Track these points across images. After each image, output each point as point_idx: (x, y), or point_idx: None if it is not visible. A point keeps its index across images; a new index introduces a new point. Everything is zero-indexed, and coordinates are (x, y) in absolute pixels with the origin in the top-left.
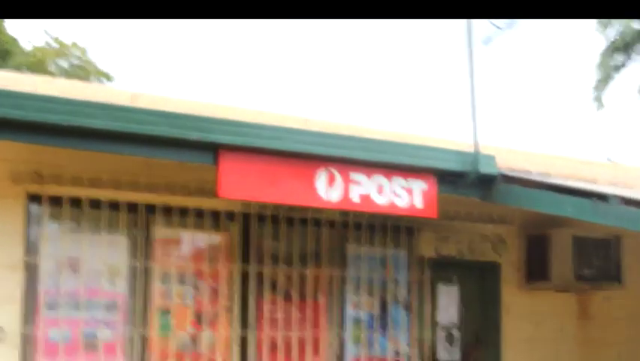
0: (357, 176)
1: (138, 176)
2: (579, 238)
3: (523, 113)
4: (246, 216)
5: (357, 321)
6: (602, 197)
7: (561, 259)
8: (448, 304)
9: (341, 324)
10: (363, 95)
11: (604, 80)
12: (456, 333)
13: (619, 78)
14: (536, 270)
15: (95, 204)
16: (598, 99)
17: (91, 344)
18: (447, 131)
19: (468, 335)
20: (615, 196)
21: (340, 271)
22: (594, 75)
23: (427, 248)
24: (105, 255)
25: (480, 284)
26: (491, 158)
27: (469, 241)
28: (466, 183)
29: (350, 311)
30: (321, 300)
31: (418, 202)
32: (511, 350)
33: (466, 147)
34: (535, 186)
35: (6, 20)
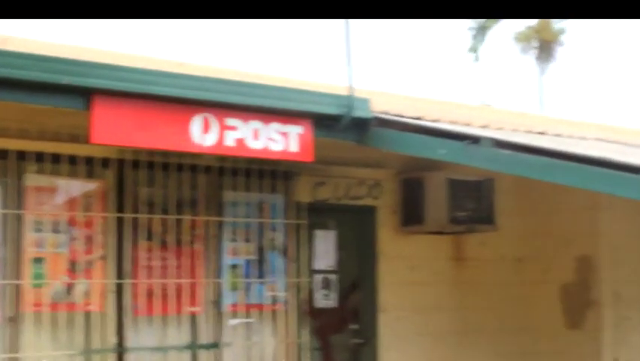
0: (232, 121)
1: (9, 122)
2: (453, 181)
3: (400, 59)
4: (120, 163)
5: (234, 268)
6: (474, 139)
7: (435, 202)
8: (325, 249)
9: (218, 271)
10: (240, 40)
11: (481, 30)
12: (333, 278)
13: (497, 26)
14: (412, 213)
15: None
16: (474, 50)
17: None
18: (324, 75)
19: (345, 279)
20: (487, 139)
21: (217, 217)
22: (472, 24)
23: (304, 193)
24: None
25: (357, 229)
26: (365, 101)
27: (346, 186)
28: (341, 126)
29: (227, 258)
30: (198, 247)
31: (294, 146)
32: (387, 294)
33: (342, 90)
34: (408, 130)
35: None
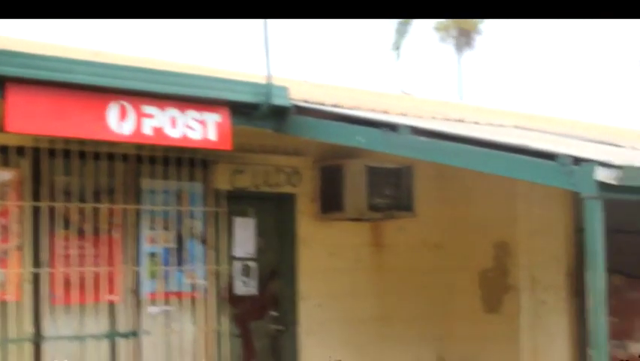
0: (149, 109)
1: None
2: (372, 168)
3: (320, 47)
4: (36, 152)
5: (152, 256)
6: (392, 127)
7: (354, 189)
8: (245, 236)
9: (136, 259)
10: (156, 28)
11: (403, 25)
12: (253, 265)
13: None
14: (331, 201)
15: None
16: (397, 47)
17: None
18: (242, 64)
19: (265, 267)
20: (405, 126)
21: (135, 205)
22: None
23: (223, 181)
24: None
25: (276, 216)
26: (284, 89)
27: (265, 174)
28: (260, 114)
29: (145, 246)
30: (116, 235)
31: (212, 134)
32: (307, 281)
33: (260, 79)
34: (327, 117)
35: None
